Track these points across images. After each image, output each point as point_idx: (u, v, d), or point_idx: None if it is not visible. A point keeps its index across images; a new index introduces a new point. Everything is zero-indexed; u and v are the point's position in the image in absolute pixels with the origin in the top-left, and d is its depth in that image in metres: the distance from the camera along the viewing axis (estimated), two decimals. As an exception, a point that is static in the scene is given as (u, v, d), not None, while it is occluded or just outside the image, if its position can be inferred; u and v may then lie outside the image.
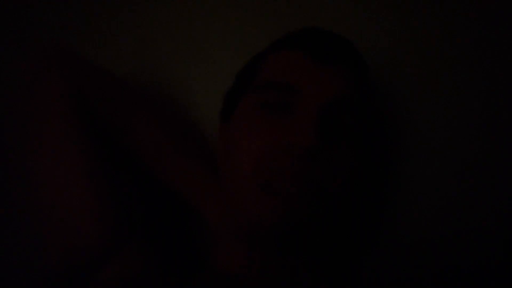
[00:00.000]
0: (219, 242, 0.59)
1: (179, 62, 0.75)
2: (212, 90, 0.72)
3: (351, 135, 0.56)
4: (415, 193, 0.68)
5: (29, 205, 0.60)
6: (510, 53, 0.69)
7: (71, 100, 0.60)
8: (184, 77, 0.74)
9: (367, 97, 0.59)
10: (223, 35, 0.75)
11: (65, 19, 0.76)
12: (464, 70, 0.70)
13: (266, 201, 0.52)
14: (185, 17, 0.75)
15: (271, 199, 0.52)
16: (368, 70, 0.61)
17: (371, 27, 0.72)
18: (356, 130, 0.56)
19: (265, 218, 0.52)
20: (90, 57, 0.66)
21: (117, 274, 0.57)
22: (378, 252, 0.68)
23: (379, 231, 0.69)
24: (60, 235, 0.58)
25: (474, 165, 0.68)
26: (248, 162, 0.54)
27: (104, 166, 0.61)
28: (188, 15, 0.75)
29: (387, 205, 0.69)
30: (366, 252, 0.68)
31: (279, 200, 0.52)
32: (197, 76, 0.74)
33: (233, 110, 0.60)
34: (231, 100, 0.61)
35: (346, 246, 0.67)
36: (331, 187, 0.53)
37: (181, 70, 0.75)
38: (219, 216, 0.61)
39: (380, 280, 0.57)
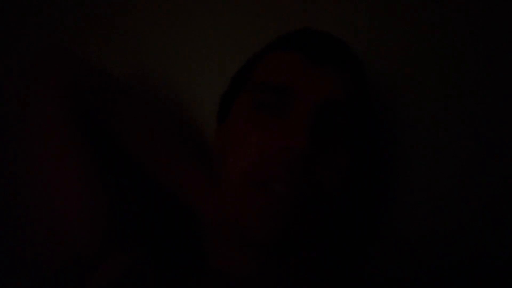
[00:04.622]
0: (216, 242, 0.59)
1: (179, 63, 0.75)
2: (211, 91, 0.72)
3: (347, 137, 0.55)
4: (414, 193, 0.68)
5: (26, 206, 0.60)
6: (510, 53, 0.69)
7: (69, 101, 0.60)
8: (183, 78, 0.74)
9: (363, 99, 0.59)
10: (223, 36, 0.74)
11: (65, 19, 0.76)
12: (463, 70, 0.70)
13: (260, 202, 0.52)
14: (185, 17, 0.75)
15: (265, 200, 0.52)
16: (364, 71, 0.61)
17: (370, 27, 0.72)
18: (352, 132, 0.56)
19: (258, 220, 0.52)
20: (90, 58, 0.66)
21: (113, 273, 0.57)
22: (377, 252, 0.68)
23: (377, 231, 0.69)
24: (56, 236, 0.58)
25: (473, 165, 0.68)
26: (242, 164, 0.54)
27: (102, 167, 0.61)
28: (187, 15, 0.75)
29: (386, 205, 0.69)
30: (365, 252, 0.68)
31: (273, 201, 0.52)
32: (196, 77, 0.74)
33: (229, 111, 0.60)
34: (227, 101, 0.61)
35: (344, 246, 0.67)
36: (326, 189, 0.53)
37: (180, 70, 0.74)
38: (216, 217, 0.61)
39: (380, 280, 0.56)
